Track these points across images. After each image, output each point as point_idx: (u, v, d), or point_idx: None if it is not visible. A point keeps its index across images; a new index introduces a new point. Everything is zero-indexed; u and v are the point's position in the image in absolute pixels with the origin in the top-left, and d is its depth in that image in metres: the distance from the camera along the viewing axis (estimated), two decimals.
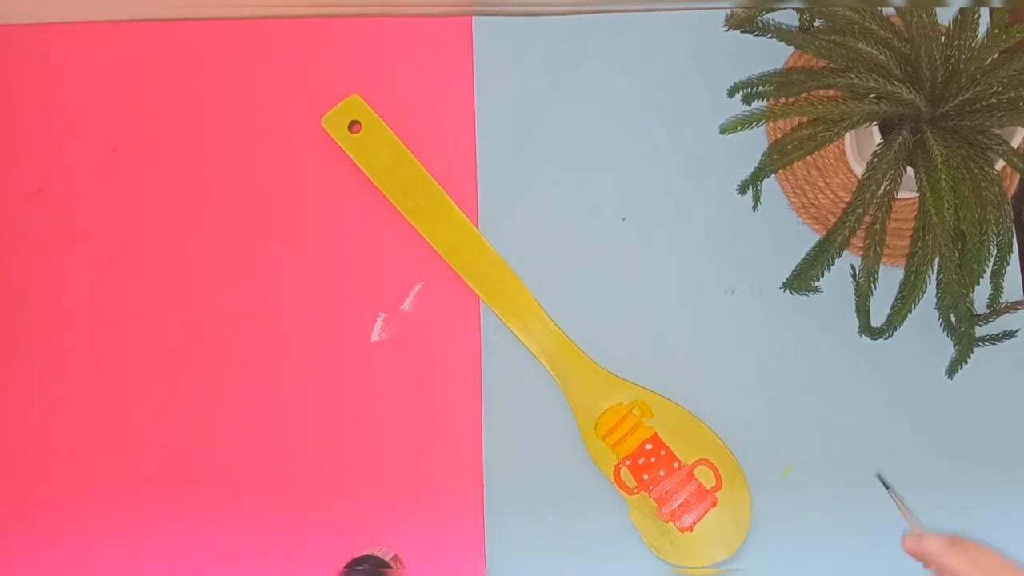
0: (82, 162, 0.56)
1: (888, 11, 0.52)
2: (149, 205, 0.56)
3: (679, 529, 0.50)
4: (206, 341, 0.54)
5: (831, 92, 0.53)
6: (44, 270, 0.55)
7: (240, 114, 0.57)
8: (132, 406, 0.53)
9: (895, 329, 0.49)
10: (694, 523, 0.50)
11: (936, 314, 0.50)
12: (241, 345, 0.54)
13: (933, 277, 0.48)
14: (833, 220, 0.53)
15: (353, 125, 0.55)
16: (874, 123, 0.48)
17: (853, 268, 0.53)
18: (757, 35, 0.54)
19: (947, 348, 0.52)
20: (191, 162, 0.56)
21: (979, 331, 0.50)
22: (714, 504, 0.50)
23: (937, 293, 0.49)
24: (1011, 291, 0.53)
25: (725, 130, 0.49)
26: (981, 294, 0.49)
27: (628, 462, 0.51)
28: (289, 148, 0.56)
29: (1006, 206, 0.46)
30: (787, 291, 0.52)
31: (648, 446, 0.51)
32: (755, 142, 0.55)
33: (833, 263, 0.49)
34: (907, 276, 0.48)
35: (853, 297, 0.50)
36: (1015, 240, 0.47)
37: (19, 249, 0.55)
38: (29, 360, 0.54)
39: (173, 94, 0.57)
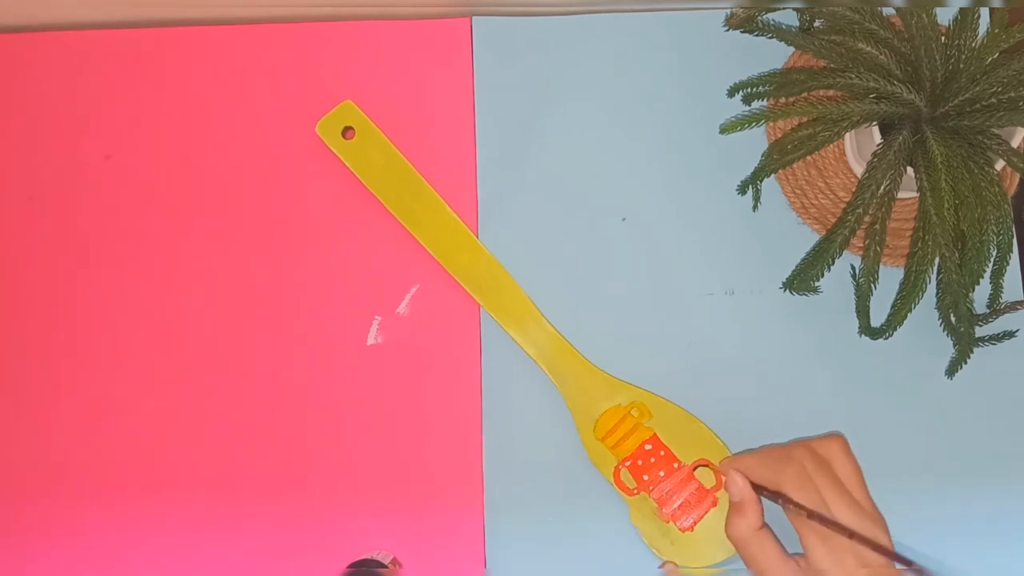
0: (75, 169, 0.56)
1: (888, 11, 0.52)
2: (143, 212, 0.56)
3: (680, 529, 0.50)
4: (201, 347, 0.54)
5: (831, 92, 0.53)
6: (37, 278, 0.55)
7: (234, 120, 0.57)
8: (127, 412, 0.53)
9: (895, 329, 0.49)
10: (695, 523, 0.50)
11: (936, 314, 0.50)
12: (237, 349, 0.54)
13: (933, 277, 0.48)
14: (833, 220, 0.53)
15: (347, 131, 0.55)
16: (874, 123, 0.48)
17: (853, 268, 0.53)
18: (757, 35, 0.54)
19: (947, 348, 0.52)
20: (185, 169, 0.56)
21: (979, 331, 0.50)
22: (714, 504, 0.50)
23: (937, 293, 0.49)
24: (1011, 291, 0.53)
25: (725, 130, 0.49)
26: (981, 294, 0.49)
27: (628, 463, 0.51)
28: (283, 154, 0.56)
29: (1006, 206, 0.46)
30: (787, 291, 0.53)
31: (648, 447, 0.51)
32: (755, 142, 0.55)
33: (833, 263, 0.49)
34: (907, 276, 0.48)
35: (853, 297, 0.50)
36: (1015, 240, 0.47)
37: (11, 257, 0.55)
38: (22, 367, 0.54)
39: (166, 101, 0.57)
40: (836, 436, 0.46)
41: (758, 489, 0.45)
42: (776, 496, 0.44)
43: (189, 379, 0.54)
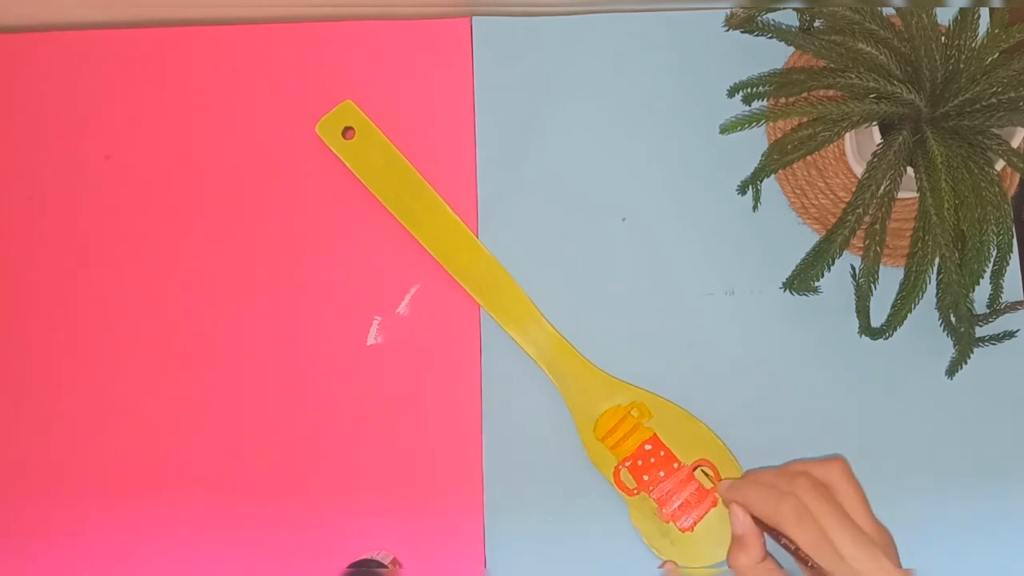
0: (75, 169, 0.56)
1: (888, 11, 0.52)
2: (143, 212, 0.56)
3: (680, 529, 0.50)
4: (201, 347, 0.54)
5: (831, 92, 0.53)
6: (37, 278, 0.55)
7: (234, 120, 0.57)
8: (127, 412, 0.53)
9: (895, 329, 0.49)
10: (695, 523, 0.50)
11: (936, 314, 0.50)
12: (237, 349, 0.54)
13: (933, 277, 0.48)
14: (833, 220, 0.53)
15: (347, 131, 0.55)
16: (874, 123, 0.48)
17: (853, 268, 0.53)
18: (757, 35, 0.54)
19: (947, 348, 0.52)
20: (185, 169, 0.56)
21: (979, 331, 0.50)
22: (714, 504, 0.50)
23: (937, 293, 0.49)
24: (1011, 291, 0.53)
25: (725, 130, 0.49)
26: (981, 294, 0.49)
27: (628, 463, 0.51)
28: (283, 155, 0.56)
29: (1006, 206, 0.46)
30: (787, 291, 0.52)
31: (648, 447, 0.51)
32: (755, 142, 0.55)
33: (833, 263, 0.49)
34: (907, 276, 0.48)
35: (853, 297, 0.50)
36: (1015, 240, 0.47)
37: (11, 257, 0.55)
38: (22, 367, 0.54)
39: (166, 101, 0.57)
40: (837, 459, 0.45)
41: (759, 523, 0.44)
42: (776, 534, 0.44)
43: (189, 379, 0.54)
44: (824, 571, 0.41)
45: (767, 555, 0.45)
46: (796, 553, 0.42)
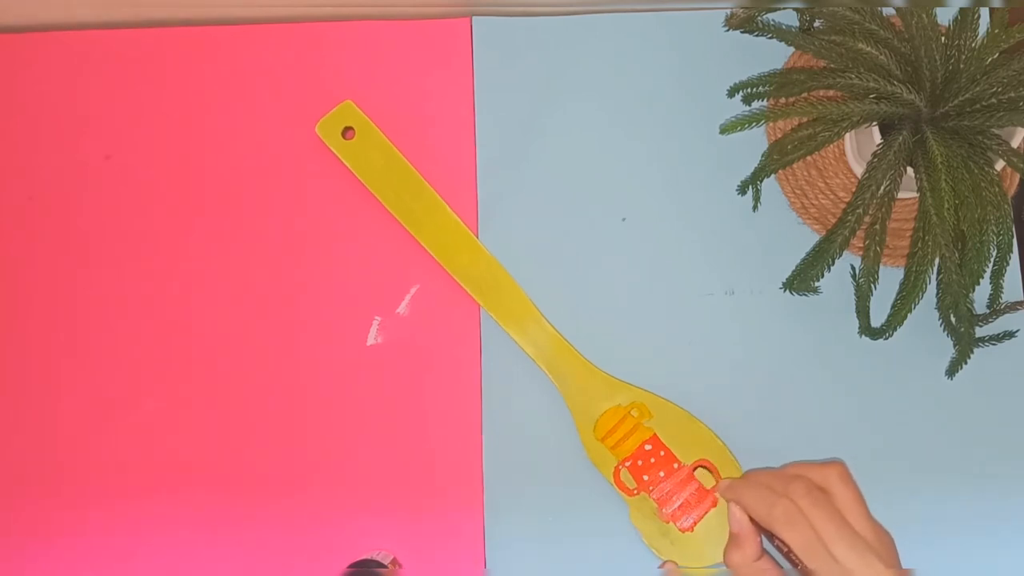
0: (75, 169, 0.56)
1: (888, 11, 0.52)
2: (143, 212, 0.56)
3: (680, 529, 0.50)
4: (201, 347, 0.54)
5: (831, 92, 0.53)
6: (37, 278, 0.55)
7: (234, 120, 0.57)
8: (126, 413, 0.53)
9: (895, 329, 0.49)
10: (695, 523, 0.50)
11: (936, 314, 0.50)
12: (237, 350, 0.54)
13: (933, 277, 0.48)
14: (833, 220, 0.53)
15: (347, 131, 0.55)
16: (874, 123, 0.48)
17: (853, 268, 0.53)
18: (757, 35, 0.54)
19: (947, 348, 0.52)
20: (185, 169, 0.56)
21: (979, 331, 0.50)
22: (714, 504, 0.50)
23: (937, 293, 0.49)
24: (1011, 291, 0.53)
25: (725, 130, 0.49)
26: (981, 294, 0.49)
27: (628, 463, 0.51)
28: (283, 155, 0.56)
29: (1006, 206, 0.46)
30: (787, 291, 0.53)
31: (648, 447, 0.51)
32: (755, 142, 0.55)
33: (833, 263, 0.49)
34: (907, 276, 0.48)
35: (853, 297, 0.50)
36: (1015, 240, 0.47)
37: (11, 257, 0.55)
38: (22, 367, 0.54)
39: (166, 101, 0.57)
40: (835, 463, 0.45)
41: (755, 522, 0.45)
42: (769, 535, 0.44)
43: (189, 379, 0.54)
44: (814, 574, 0.41)
45: (763, 553, 0.45)
46: (788, 555, 0.43)
